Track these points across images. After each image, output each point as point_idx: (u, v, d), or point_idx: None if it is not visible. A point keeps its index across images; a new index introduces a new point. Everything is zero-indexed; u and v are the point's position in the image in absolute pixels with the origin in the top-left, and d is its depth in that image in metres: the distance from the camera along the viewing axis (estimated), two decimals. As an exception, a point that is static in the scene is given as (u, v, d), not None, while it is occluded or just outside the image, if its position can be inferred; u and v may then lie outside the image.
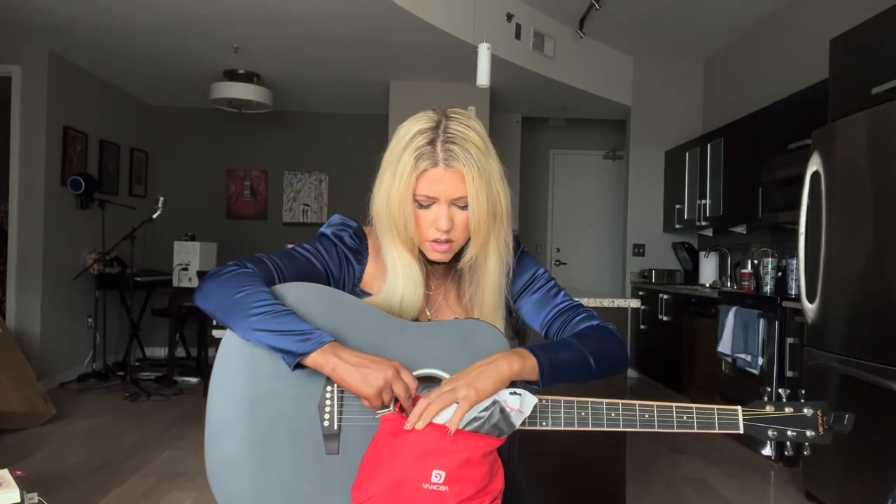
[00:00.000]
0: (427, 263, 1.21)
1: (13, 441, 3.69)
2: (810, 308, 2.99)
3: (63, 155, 5.16)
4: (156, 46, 4.91)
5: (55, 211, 5.09)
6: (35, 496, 2.32)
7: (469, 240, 1.17)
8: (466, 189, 1.11)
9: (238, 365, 1.11)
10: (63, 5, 4.14)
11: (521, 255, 1.31)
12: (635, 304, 2.68)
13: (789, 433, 1.14)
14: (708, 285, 5.22)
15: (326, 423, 1.09)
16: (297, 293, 1.13)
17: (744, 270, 4.45)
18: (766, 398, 1.17)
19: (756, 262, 4.33)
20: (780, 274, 4.12)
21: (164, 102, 6.64)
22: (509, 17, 4.88)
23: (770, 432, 1.14)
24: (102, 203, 5.34)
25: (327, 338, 1.05)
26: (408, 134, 1.12)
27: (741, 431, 1.14)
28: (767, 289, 4.09)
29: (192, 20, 4.37)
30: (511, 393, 1.06)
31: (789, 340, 3.55)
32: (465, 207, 1.12)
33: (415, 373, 1.09)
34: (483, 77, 3.77)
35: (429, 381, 1.13)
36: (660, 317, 5.33)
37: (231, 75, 5.45)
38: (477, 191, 1.11)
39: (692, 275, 5.70)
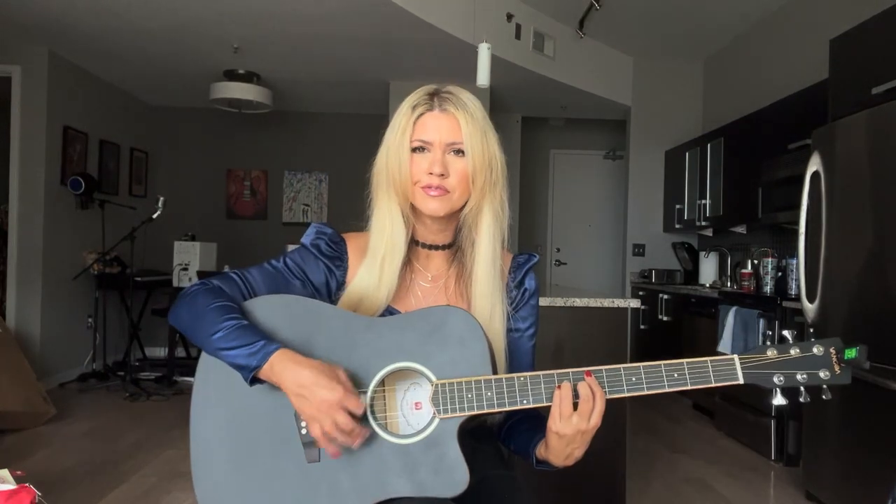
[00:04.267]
0: (422, 248, 1.22)
1: (13, 441, 3.69)
2: (810, 308, 2.99)
3: (63, 155, 5.16)
4: (156, 46, 4.91)
5: (55, 211, 5.09)
6: (35, 496, 2.32)
7: (465, 207, 1.19)
8: (461, 134, 1.14)
9: (215, 385, 1.12)
10: (63, 5, 4.14)
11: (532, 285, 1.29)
12: (635, 304, 2.68)
13: (799, 377, 1.02)
14: (708, 285, 5.22)
15: (304, 431, 1.08)
16: (263, 307, 1.13)
17: (744, 270, 4.45)
18: (767, 342, 1.06)
19: (756, 262, 4.33)
20: (780, 274, 4.12)
21: (164, 102, 6.64)
22: (509, 17, 4.88)
23: (776, 378, 1.02)
24: (102, 203, 5.33)
25: (273, 346, 1.03)
26: (406, 99, 1.19)
27: (741, 382, 1.03)
28: (767, 289, 4.09)
29: (192, 20, 4.37)
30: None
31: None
32: (460, 154, 1.15)
33: (388, 368, 1.08)
34: (483, 77, 3.77)
35: (404, 375, 1.12)
36: (660, 317, 5.33)
37: (231, 75, 5.45)
38: (472, 135, 1.14)
39: (692, 275, 5.70)
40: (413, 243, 1.23)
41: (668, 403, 4.87)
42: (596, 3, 4.85)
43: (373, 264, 1.18)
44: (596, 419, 1.04)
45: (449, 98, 1.16)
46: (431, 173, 1.14)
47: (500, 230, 1.21)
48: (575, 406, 1.04)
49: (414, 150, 1.15)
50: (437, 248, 1.24)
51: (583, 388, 1.04)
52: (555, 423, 1.05)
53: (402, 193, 1.16)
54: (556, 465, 1.12)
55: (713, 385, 1.03)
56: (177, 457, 3.46)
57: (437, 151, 1.14)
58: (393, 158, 1.16)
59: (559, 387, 1.05)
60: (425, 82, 1.26)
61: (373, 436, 1.07)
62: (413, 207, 1.18)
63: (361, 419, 1.04)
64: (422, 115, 1.15)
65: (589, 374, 1.05)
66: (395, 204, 1.18)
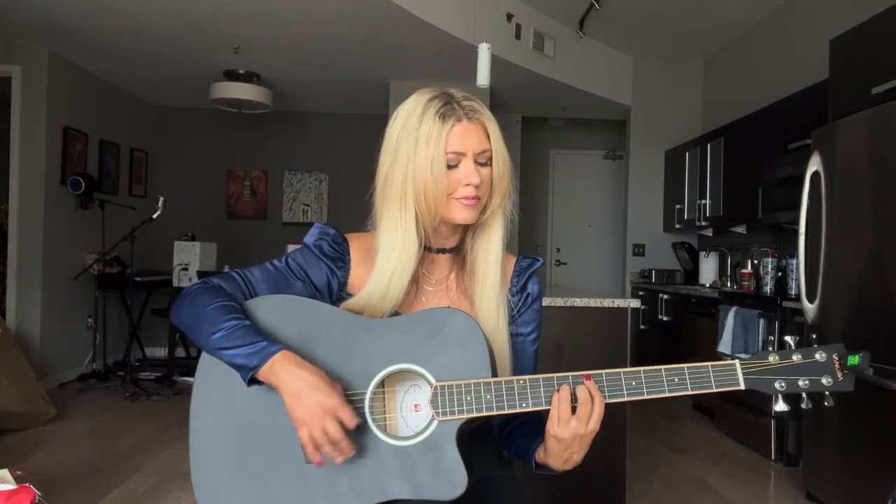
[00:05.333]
0: (429, 252, 1.20)
1: (13, 441, 3.69)
2: (810, 308, 2.99)
3: (63, 155, 5.16)
4: (156, 46, 4.92)
5: (55, 211, 5.09)
6: (35, 496, 2.32)
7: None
8: (490, 141, 1.14)
9: (215, 385, 1.12)
10: (63, 5, 4.14)
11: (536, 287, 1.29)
12: (635, 304, 2.68)
13: (801, 383, 1.01)
14: (708, 285, 5.22)
15: None
16: (265, 306, 1.13)
17: (744, 270, 4.45)
18: (770, 348, 1.04)
19: (756, 262, 4.33)
20: (780, 274, 4.12)
21: (164, 102, 6.64)
22: (509, 17, 4.88)
23: (777, 385, 1.01)
24: (102, 203, 5.34)
25: (274, 347, 1.04)
26: (418, 106, 1.13)
27: (742, 387, 1.02)
28: (767, 289, 4.09)
29: (193, 20, 4.37)
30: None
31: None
32: (485, 164, 1.14)
33: (387, 369, 1.08)
34: (483, 77, 3.77)
35: (404, 377, 1.11)
36: (660, 317, 5.33)
37: (231, 75, 5.45)
38: (498, 141, 1.15)
39: (692, 275, 5.70)
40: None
41: (668, 403, 4.87)
42: (596, 3, 4.85)
43: (380, 280, 1.15)
44: (594, 424, 1.04)
45: (473, 106, 1.14)
46: (468, 184, 1.11)
47: (507, 232, 1.21)
48: (574, 410, 1.04)
49: (449, 162, 1.12)
50: (443, 251, 1.22)
51: (581, 391, 1.04)
52: (553, 427, 1.05)
53: (434, 206, 1.12)
54: (556, 470, 1.12)
55: (714, 391, 1.02)
56: (177, 457, 3.46)
57: (469, 161, 1.12)
58: (423, 171, 1.10)
59: (558, 390, 1.04)
60: (425, 82, 1.24)
61: (371, 437, 1.07)
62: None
63: (353, 433, 1.03)
64: (453, 126, 1.11)
65: (588, 378, 1.05)
66: (411, 217, 1.13)
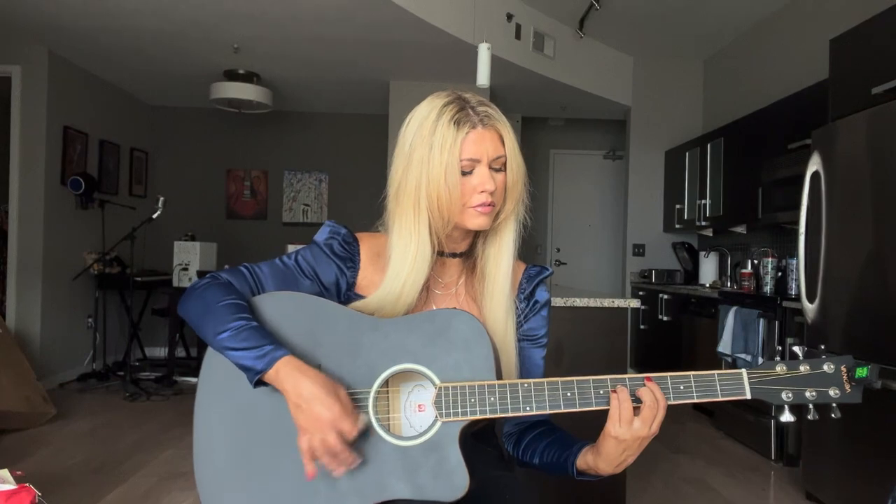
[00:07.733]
0: (440, 256, 1.20)
1: (13, 441, 3.69)
2: (810, 308, 2.99)
3: (63, 155, 5.16)
4: (156, 46, 4.92)
5: (55, 211, 5.09)
6: (35, 496, 2.32)
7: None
8: (504, 148, 1.13)
9: (221, 379, 1.12)
10: (63, 5, 4.14)
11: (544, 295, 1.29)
12: (635, 304, 2.68)
13: (808, 394, 1.00)
14: (708, 285, 5.22)
15: None
16: (271, 303, 1.13)
17: (744, 270, 4.45)
18: (777, 357, 1.04)
19: (756, 262, 4.33)
20: (780, 274, 4.12)
21: (164, 102, 6.64)
22: (509, 17, 4.88)
23: (784, 395, 1.01)
24: (102, 203, 5.34)
25: (280, 352, 1.03)
26: (433, 111, 1.12)
27: (748, 397, 1.02)
28: (767, 289, 4.09)
29: (192, 20, 4.37)
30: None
31: (789, 340, 3.55)
32: (499, 170, 1.13)
33: (392, 369, 1.08)
34: (483, 77, 3.77)
35: (408, 377, 1.11)
36: (660, 317, 5.33)
37: (231, 75, 5.45)
38: (513, 148, 1.14)
39: (692, 275, 5.70)
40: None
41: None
42: (596, 3, 4.85)
43: (393, 285, 1.14)
44: (656, 427, 1.03)
45: (488, 111, 1.13)
46: (483, 191, 1.10)
47: (519, 237, 1.21)
48: (636, 411, 1.04)
49: (463, 169, 1.10)
50: (454, 255, 1.22)
51: (647, 394, 1.03)
52: (614, 428, 1.04)
53: (447, 214, 1.11)
54: (604, 474, 1.11)
55: (719, 399, 1.02)
56: (177, 457, 3.46)
57: (484, 168, 1.11)
58: (437, 178, 1.09)
59: (615, 391, 1.04)
60: (425, 82, 1.24)
61: (374, 436, 1.07)
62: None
63: (353, 444, 1.03)
64: (468, 133, 1.10)
65: (649, 379, 1.05)
66: (424, 223, 1.12)
